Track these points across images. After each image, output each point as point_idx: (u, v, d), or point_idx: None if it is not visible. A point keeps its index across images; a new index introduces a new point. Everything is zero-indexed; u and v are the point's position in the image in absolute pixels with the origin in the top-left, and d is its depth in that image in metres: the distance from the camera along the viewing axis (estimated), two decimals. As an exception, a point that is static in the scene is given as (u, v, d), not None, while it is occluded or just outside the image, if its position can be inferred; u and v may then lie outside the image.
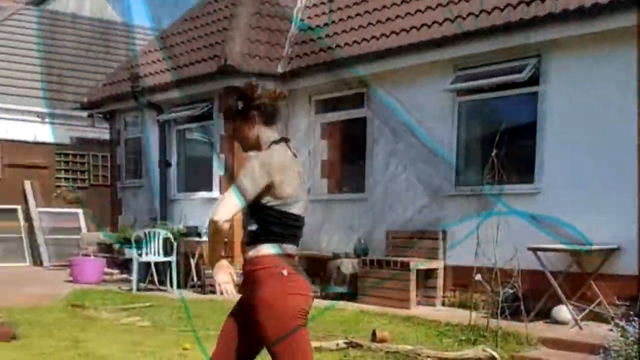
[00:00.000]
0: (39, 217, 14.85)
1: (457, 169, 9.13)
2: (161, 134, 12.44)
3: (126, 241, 11.74)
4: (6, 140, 15.28)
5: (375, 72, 9.80)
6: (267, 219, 3.15)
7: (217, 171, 11.37)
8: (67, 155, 15.73)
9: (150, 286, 10.81)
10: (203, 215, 11.37)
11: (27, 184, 15.01)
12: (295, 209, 3.19)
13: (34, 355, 6.20)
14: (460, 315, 7.78)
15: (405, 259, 8.96)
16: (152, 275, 10.88)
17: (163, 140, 12.42)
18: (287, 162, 3.18)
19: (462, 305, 8.55)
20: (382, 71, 9.73)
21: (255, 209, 3.16)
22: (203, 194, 11.67)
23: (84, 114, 15.00)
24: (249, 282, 3.21)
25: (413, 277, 8.75)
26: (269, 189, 3.11)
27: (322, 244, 10.21)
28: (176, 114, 12.10)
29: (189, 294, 10.29)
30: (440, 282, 9.03)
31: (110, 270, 12.07)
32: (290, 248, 3.21)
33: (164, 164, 12.39)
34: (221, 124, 11.27)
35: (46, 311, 8.62)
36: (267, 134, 3.25)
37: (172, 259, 10.61)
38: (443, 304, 9.01)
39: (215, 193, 11.38)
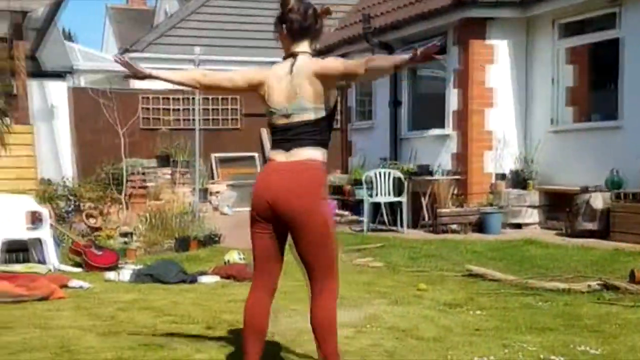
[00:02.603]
0: (275, 162, 15.44)
1: None
2: (393, 74, 12.25)
3: (357, 182, 11.78)
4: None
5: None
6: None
7: (451, 107, 10.93)
8: (299, 101, 16.12)
9: (381, 227, 10.72)
10: (435, 153, 11.07)
11: (263, 132, 15.61)
12: (278, 121, 3.38)
13: (279, 294, 6.27)
14: None
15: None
16: (382, 215, 10.77)
17: (394, 79, 12.23)
18: (280, 74, 3.38)
19: None
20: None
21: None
22: (435, 131, 11.32)
23: (318, 59, 15.21)
24: None
25: (678, 211, 7.68)
26: (263, 98, 3.43)
27: (569, 177, 9.35)
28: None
29: (420, 234, 10.04)
30: None
31: (341, 212, 12.15)
32: (273, 153, 3.42)
33: (395, 103, 12.22)
34: (455, 58, 10.84)
35: (285, 253, 8.76)
36: (287, 47, 3.44)
37: (403, 199, 10.40)
38: None
39: (448, 130, 10.97)
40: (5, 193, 8.38)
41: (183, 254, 8.73)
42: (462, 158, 10.66)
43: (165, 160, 13.72)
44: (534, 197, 10.14)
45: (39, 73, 12.13)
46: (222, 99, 15.48)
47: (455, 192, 10.44)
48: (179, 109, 15.06)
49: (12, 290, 6.10)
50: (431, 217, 10.34)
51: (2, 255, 7.69)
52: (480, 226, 9.98)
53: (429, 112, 11.79)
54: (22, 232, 7.98)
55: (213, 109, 15.42)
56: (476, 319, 5.20)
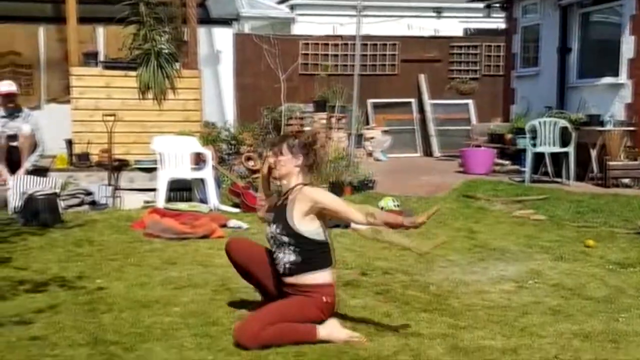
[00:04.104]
0: (431, 109, 15.14)
1: None
2: (562, 19, 11.52)
3: (519, 131, 11.25)
4: (403, 37, 15.73)
5: None
6: None
7: (625, 54, 10.11)
8: (460, 47, 15.57)
9: (543, 178, 10.18)
10: (606, 102, 10.32)
11: (421, 78, 15.30)
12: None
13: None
14: None
15: None
16: (545, 166, 10.24)
17: (563, 25, 11.49)
18: None
19: None
20: None
21: None
22: (607, 80, 10.50)
23: (481, 5, 14.79)
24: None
25: None
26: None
27: None
28: (580, -4, 11.05)
29: (587, 187, 9.44)
30: None
31: (500, 161, 11.67)
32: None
33: (563, 49, 11.48)
34: (633, 3, 9.99)
35: (439, 200, 8.56)
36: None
37: (570, 149, 9.79)
38: None
39: (622, 78, 10.16)
40: (173, 135, 8.77)
41: (337, 198, 8.77)
42: (637, 108, 9.88)
43: (321, 106, 13.81)
44: None
45: (207, 20, 12.48)
46: (381, 44, 15.26)
47: (628, 144, 9.71)
48: (337, 55, 15.04)
49: (176, 227, 6.40)
50: (600, 170, 9.69)
51: (167, 193, 8.07)
52: (655, 181, 9.26)
53: (600, 60, 10.98)
54: (186, 172, 8.32)
55: (371, 55, 15.26)
56: (651, 281, 4.81)
